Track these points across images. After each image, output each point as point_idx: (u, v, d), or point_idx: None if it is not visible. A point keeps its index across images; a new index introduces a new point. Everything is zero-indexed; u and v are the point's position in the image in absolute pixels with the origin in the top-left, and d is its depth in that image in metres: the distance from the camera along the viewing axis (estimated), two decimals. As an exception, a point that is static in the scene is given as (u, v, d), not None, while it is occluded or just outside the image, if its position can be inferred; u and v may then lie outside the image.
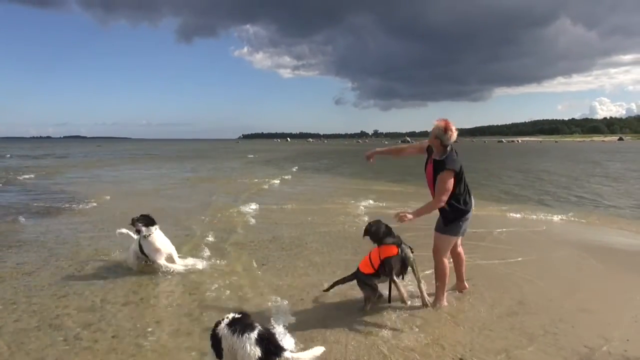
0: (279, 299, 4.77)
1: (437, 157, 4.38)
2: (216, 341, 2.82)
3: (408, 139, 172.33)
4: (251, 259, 6.34)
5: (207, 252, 6.60)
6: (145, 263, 5.77)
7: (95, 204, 11.52)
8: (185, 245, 7.02)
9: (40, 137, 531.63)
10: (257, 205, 10.92)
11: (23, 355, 3.65)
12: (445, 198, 4.23)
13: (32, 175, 20.48)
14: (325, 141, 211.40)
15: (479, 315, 4.44)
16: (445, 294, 4.65)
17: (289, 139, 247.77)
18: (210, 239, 7.50)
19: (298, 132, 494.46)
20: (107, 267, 5.97)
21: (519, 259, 6.48)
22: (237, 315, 2.90)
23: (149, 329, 4.11)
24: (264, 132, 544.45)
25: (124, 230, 6.20)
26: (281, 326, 4.06)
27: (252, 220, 9.17)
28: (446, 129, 4.25)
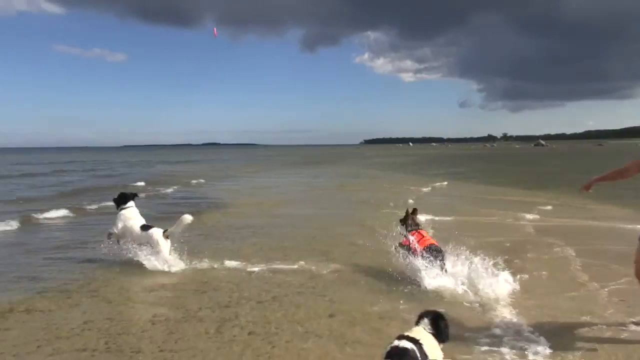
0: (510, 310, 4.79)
1: None
2: None
3: (542, 142, 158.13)
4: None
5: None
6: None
7: (273, 207, 13.32)
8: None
9: (182, 145, 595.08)
10: (430, 215, 10.96)
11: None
12: None
13: (203, 180, 23.11)
14: (449, 145, 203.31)
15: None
16: None
17: (410, 143, 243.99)
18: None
19: (420, 137, 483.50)
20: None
21: None
22: (404, 344, 2.67)
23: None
24: (385, 137, 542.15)
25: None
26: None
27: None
28: None
